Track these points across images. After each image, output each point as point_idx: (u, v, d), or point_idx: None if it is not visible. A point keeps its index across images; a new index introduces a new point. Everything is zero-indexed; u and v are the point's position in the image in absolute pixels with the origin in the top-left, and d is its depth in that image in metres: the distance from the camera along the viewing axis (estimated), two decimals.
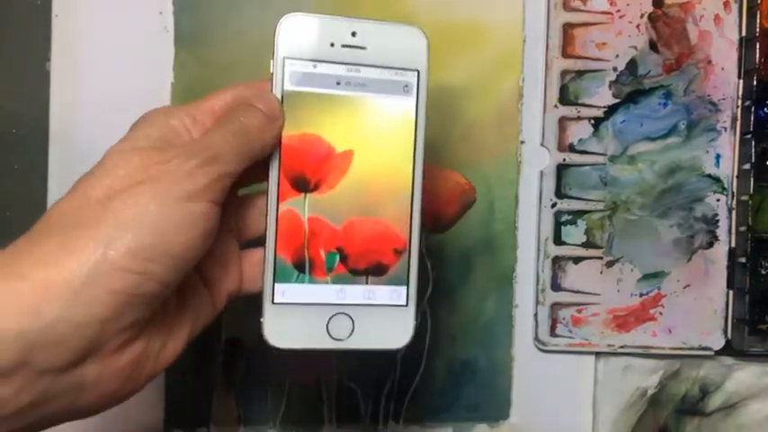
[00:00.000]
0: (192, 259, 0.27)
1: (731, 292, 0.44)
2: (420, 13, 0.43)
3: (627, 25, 0.43)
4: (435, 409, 0.44)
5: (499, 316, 0.44)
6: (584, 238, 0.44)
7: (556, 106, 0.43)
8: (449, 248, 0.43)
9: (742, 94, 0.44)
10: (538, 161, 0.44)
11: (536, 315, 0.44)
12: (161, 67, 0.42)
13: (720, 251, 0.44)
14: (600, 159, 0.44)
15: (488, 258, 0.44)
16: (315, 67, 0.30)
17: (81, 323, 0.25)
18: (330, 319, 0.31)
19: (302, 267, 0.31)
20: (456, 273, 0.44)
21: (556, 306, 0.44)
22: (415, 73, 0.31)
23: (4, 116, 0.42)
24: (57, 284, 0.24)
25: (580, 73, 0.43)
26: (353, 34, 0.31)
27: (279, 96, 0.30)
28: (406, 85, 0.31)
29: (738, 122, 0.44)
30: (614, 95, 0.44)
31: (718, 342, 0.44)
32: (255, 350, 0.42)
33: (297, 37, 0.30)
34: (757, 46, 0.43)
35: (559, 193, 0.44)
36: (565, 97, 0.43)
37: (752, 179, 0.43)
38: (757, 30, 0.43)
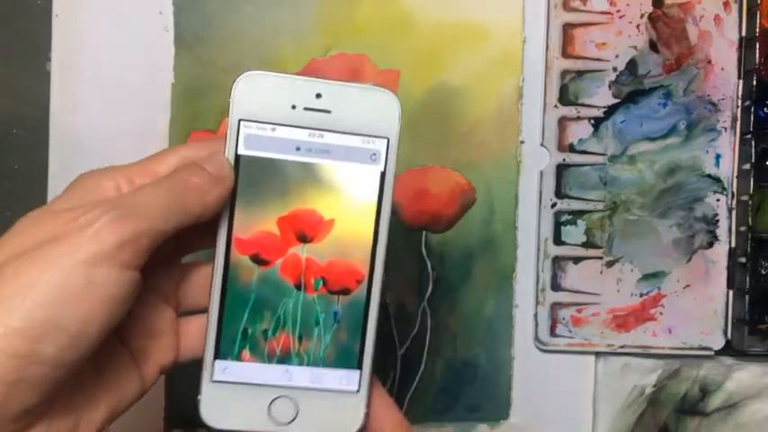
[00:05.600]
0: (97, 334, 0.23)
1: (731, 292, 0.44)
2: (419, 13, 0.43)
3: (627, 25, 0.43)
4: (435, 409, 0.44)
5: (499, 316, 0.44)
6: (584, 238, 0.44)
7: (556, 106, 0.43)
8: (449, 248, 0.43)
9: (742, 94, 0.44)
10: (538, 161, 0.44)
11: (536, 315, 0.44)
12: (161, 67, 0.42)
13: (720, 251, 0.44)
14: (600, 159, 0.44)
15: (488, 258, 0.44)
16: (273, 130, 0.28)
17: None
18: (273, 401, 0.29)
19: (300, 287, 0.30)
20: (456, 273, 0.44)
21: (556, 306, 0.44)
22: (385, 141, 0.29)
23: (4, 116, 0.42)
24: None
25: (580, 73, 0.43)
26: (318, 96, 0.28)
27: (231, 159, 0.28)
28: (374, 154, 0.29)
29: (738, 122, 0.44)
30: (614, 95, 0.44)
31: (718, 342, 0.44)
32: None
33: (255, 97, 0.28)
34: (757, 46, 0.43)
35: (559, 193, 0.44)
36: (565, 97, 0.43)
37: (752, 179, 0.43)
38: (757, 30, 0.43)
